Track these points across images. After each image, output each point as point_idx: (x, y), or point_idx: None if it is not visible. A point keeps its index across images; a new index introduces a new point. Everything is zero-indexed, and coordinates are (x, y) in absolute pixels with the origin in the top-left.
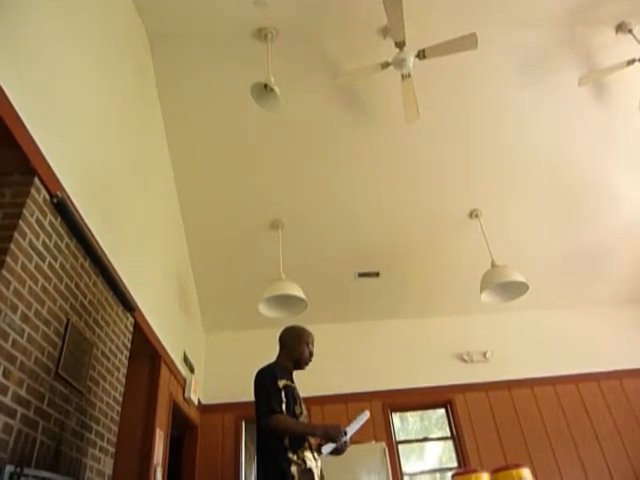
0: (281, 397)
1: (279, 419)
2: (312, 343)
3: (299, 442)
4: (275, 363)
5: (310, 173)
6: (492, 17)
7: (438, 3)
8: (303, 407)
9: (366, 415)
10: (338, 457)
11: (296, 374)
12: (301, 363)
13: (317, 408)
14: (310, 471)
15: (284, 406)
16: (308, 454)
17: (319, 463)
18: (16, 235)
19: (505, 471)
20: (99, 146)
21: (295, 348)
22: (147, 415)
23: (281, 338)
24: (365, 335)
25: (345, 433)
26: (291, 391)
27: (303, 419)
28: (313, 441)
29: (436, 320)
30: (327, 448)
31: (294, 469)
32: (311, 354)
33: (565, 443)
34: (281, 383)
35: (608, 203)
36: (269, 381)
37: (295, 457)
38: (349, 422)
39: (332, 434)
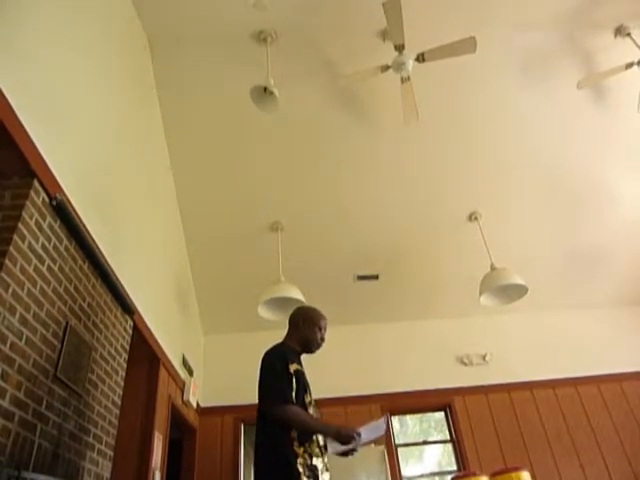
0: (292, 384)
1: (292, 410)
2: (325, 328)
3: (308, 435)
4: (284, 344)
5: (309, 176)
6: (491, 20)
7: (437, 6)
8: (311, 396)
9: (383, 424)
10: (338, 461)
11: None
12: (312, 347)
13: None
14: (315, 467)
15: (294, 394)
16: (315, 448)
17: (325, 459)
18: (15, 237)
19: (504, 474)
20: (98, 148)
21: (308, 330)
22: (146, 418)
23: (293, 318)
24: (364, 338)
25: (359, 435)
26: (301, 377)
27: (312, 409)
28: (320, 436)
29: (435, 323)
30: (335, 447)
31: (300, 462)
32: (322, 339)
33: (565, 446)
34: (292, 367)
35: (608, 204)
36: (280, 365)
37: (302, 450)
38: (362, 424)
39: (344, 437)
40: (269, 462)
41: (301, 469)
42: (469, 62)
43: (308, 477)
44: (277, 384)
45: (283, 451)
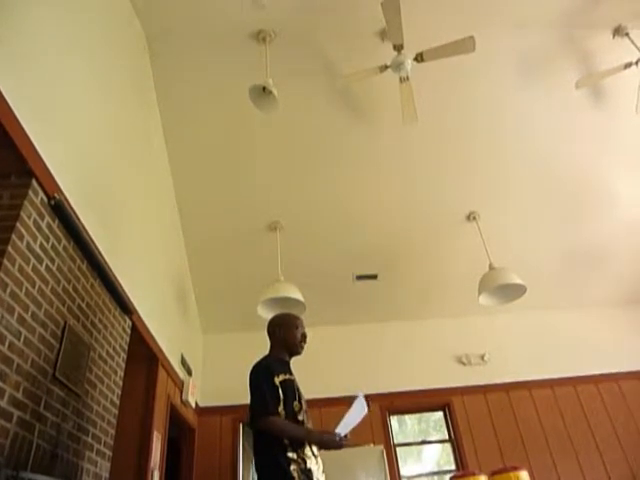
0: (278, 395)
1: (274, 422)
2: (302, 325)
3: (299, 441)
4: (269, 356)
5: (308, 175)
6: (490, 20)
7: (436, 6)
8: (303, 402)
9: (363, 403)
10: (337, 460)
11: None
12: (296, 349)
13: (315, 411)
14: (310, 471)
15: (282, 404)
16: (308, 452)
17: (319, 460)
18: (13, 237)
19: (503, 474)
20: (97, 148)
21: (286, 335)
22: (144, 418)
23: (269, 329)
24: (363, 337)
25: (342, 437)
26: (290, 385)
27: (302, 415)
28: None
29: (434, 322)
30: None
31: (294, 468)
32: (304, 336)
33: (563, 445)
34: (278, 379)
35: (606, 204)
36: (264, 378)
37: (295, 456)
38: (342, 416)
39: (327, 443)
40: (266, 469)
41: (295, 474)
42: (468, 62)
43: None
44: (261, 398)
45: (277, 458)
